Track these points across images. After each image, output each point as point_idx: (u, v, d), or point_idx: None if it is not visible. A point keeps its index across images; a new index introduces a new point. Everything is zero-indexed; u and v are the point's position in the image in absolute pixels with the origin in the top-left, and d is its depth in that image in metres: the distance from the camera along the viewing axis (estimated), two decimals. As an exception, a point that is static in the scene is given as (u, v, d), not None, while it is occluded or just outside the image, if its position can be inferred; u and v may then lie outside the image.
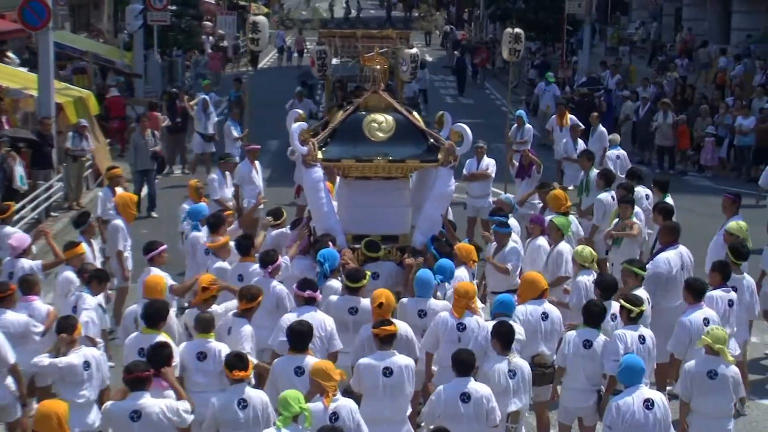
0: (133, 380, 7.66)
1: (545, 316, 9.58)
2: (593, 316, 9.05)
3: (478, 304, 10.67)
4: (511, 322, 8.98)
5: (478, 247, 11.12)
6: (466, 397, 8.03)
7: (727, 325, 9.80)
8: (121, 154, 23.02)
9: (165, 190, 20.42)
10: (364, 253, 10.65)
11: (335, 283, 10.17)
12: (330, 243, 10.53)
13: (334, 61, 14.86)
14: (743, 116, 23.08)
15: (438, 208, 11.28)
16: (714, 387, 8.51)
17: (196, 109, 22.33)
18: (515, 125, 19.35)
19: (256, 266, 10.45)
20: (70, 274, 10.79)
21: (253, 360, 8.97)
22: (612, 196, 13.52)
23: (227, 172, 15.44)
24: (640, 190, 13.68)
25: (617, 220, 12.60)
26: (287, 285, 10.12)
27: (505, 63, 27.53)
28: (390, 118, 11.21)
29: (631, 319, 9.04)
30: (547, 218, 11.96)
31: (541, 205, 13.71)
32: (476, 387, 8.12)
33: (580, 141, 18.51)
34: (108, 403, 7.82)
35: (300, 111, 12.41)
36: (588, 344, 8.95)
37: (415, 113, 12.22)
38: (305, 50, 44.28)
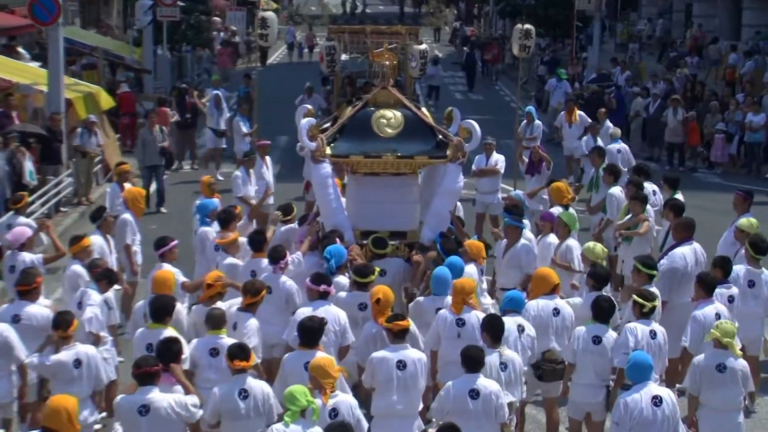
0: (141, 375, 7.68)
1: (557, 311, 9.57)
2: (602, 311, 9.05)
3: (488, 300, 10.72)
4: (520, 317, 8.98)
5: (487, 245, 11.10)
6: (474, 394, 8.02)
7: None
8: (129, 149, 23.06)
9: (175, 186, 20.45)
10: (371, 250, 10.64)
11: (343, 280, 10.17)
12: (338, 239, 10.52)
13: (344, 57, 14.86)
14: (753, 113, 23.01)
15: (446, 204, 11.27)
16: (723, 380, 8.56)
17: (208, 105, 22.34)
18: (525, 121, 19.32)
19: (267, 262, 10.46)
20: (78, 268, 10.79)
21: (256, 357, 9.01)
22: (620, 190, 13.53)
23: (251, 170, 15.45)
24: (647, 187, 13.66)
25: (629, 216, 12.59)
26: (297, 281, 10.11)
27: (515, 59, 27.50)
28: (399, 114, 11.20)
29: (643, 314, 9.03)
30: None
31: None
32: (485, 383, 8.11)
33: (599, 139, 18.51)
34: (118, 398, 7.83)
35: (309, 106, 12.41)
36: (597, 340, 8.95)
37: (423, 109, 12.21)
38: (315, 46, 44.30)
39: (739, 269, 10.57)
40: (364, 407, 8.52)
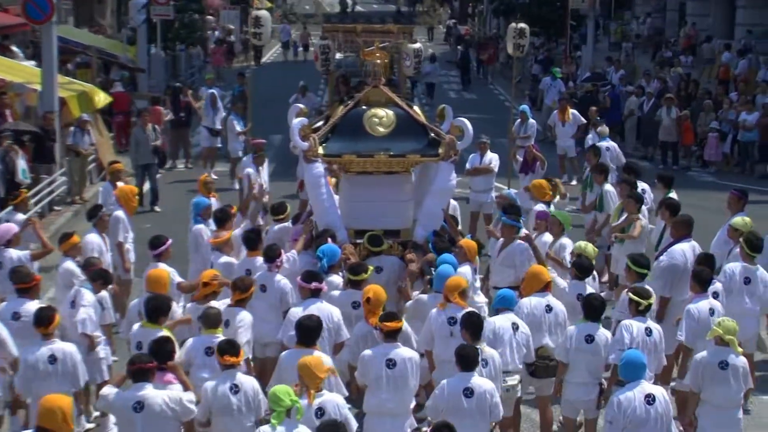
0: (136, 371, 7.68)
1: (549, 308, 9.61)
2: (594, 309, 9.07)
3: (482, 298, 10.72)
4: (514, 315, 8.99)
5: (480, 244, 11.10)
6: (469, 392, 8.02)
7: None
8: (124, 149, 23.03)
9: (169, 185, 20.44)
10: (367, 248, 10.65)
11: (336, 279, 10.19)
12: (330, 239, 10.52)
13: (338, 55, 14.85)
14: (747, 111, 23.03)
15: (439, 202, 11.28)
16: (725, 377, 8.62)
17: (203, 105, 22.30)
18: (519, 120, 19.36)
19: (262, 260, 10.46)
20: (70, 265, 10.79)
21: (247, 352, 9.02)
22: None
23: (261, 167, 15.46)
24: (638, 185, 13.73)
25: (623, 216, 12.63)
26: (291, 279, 10.12)
27: (509, 58, 27.53)
28: (391, 112, 11.21)
29: (639, 311, 9.06)
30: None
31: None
32: (479, 382, 8.11)
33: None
34: (109, 392, 7.79)
35: (301, 106, 12.41)
36: (590, 339, 8.97)
37: (416, 107, 12.21)
38: (310, 45, 44.29)
39: (734, 267, 10.59)
40: (356, 406, 8.56)
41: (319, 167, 11.07)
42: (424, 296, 9.86)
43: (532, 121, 19.58)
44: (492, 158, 15.90)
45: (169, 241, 10.76)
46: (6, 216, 12.84)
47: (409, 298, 10.11)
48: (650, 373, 8.68)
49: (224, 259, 10.97)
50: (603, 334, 9.04)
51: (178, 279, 10.55)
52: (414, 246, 10.87)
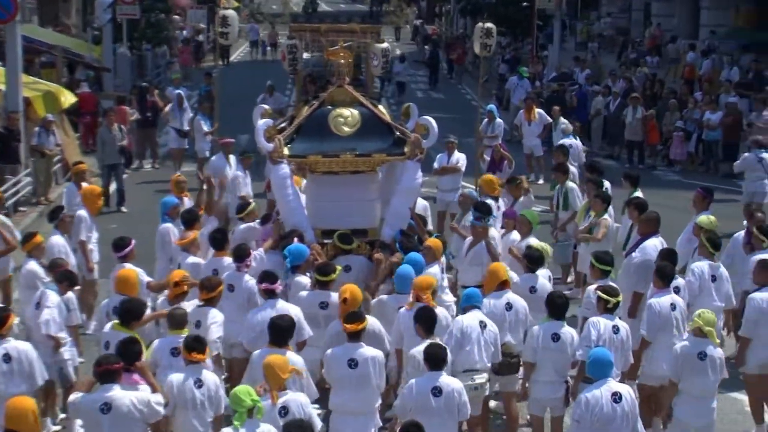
0: (102, 373, 7.64)
1: (509, 306, 9.66)
2: (558, 308, 9.12)
3: (450, 297, 10.76)
4: (481, 313, 9.04)
5: (444, 243, 11.14)
6: (437, 391, 8.04)
7: None
8: (91, 149, 22.87)
9: (136, 185, 20.33)
10: (336, 246, 10.65)
11: (304, 279, 10.18)
12: (296, 239, 10.52)
13: (305, 55, 14.84)
14: (711, 111, 23.24)
15: (405, 201, 11.29)
16: (703, 368, 8.81)
17: (169, 106, 22.17)
18: (486, 120, 19.43)
19: (230, 260, 10.47)
20: (34, 266, 10.72)
21: (216, 349, 9.02)
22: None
23: (246, 170, 15.43)
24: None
25: (591, 216, 12.71)
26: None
27: (476, 57, 27.61)
28: (356, 112, 11.21)
29: (607, 309, 9.14)
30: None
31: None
32: (447, 381, 8.14)
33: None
34: (76, 396, 7.75)
35: (265, 106, 12.38)
36: (556, 337, 9.02)
37: (381, 106, 12.23)
38: (278, 44, 44.20)
39: (702, 266, 10.68)
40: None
41: (285, 168, 11.06)
42: (385, 297, 9.87)
43: (499, 120, 19.67)
44: (459, 158, 15.95)
45: (133, 242, 10.73)
46: None
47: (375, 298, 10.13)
48: (617, 371, 8.75)
49: (191, 259, 10.93)
50: (568, 332, 9.10)
51: (146, 279, 10.51)
52: (381, 245, 10.89)
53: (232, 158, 16.18)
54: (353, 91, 11.47)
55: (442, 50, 42.14)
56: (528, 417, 9.68)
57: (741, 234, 11.99)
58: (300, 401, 7.76)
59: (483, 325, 9.12)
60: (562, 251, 14.08)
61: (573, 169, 15.50)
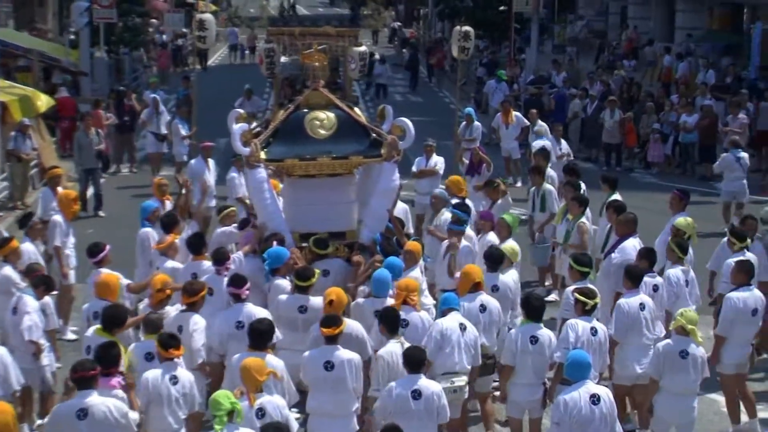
0: (78, 379, 7.61)
1: (483, 308, 9.69)
2: (535, 310, 9.15)
3: (429, 300, 10.77)
4: (460, 315, 9.07)
5: (422, 246, 11.16)
6: (417, 394, 8.06)
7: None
8: (67, 153, 22.77)
9: (113, 190, 20.24)
10: (312, 251, 10.64)
11: (284, 282, 10.16)
12: (275, 242, 10.51)
13: (283, 59, 14.83)
14: (687, 113, 23.37)
15: (383, 203, 11.30)
16: (684, 366, 8.94)
17: (146, 111, 22.08)
18: (464, 123, 19.48)
19: (209, 264, 10.46)
20: (8, 271, 10.66)
21: (200, 357, 9.01)
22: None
23: (240, 171, 15.36)
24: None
25: (569, 219, 12.76)
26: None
27: (454, 61, 27.66)
28: (332, 114, 11.21)
29: (585, 311, 9.17)
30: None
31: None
32: (427, 384, 8.15)
33: (563, 141, 18.74)
34: (55, 406, 7.76)
35: (241, 111, 12.36)
36: (534, 340, 9.04)
37: (356, 109, 12.24)
38: (257, 47, 44.12)
39: (677, 273, 10.69)
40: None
41: (262, 172, 11.04)
42: (361, 300, 9.87)
43: (477, 123, 19.72)
44: (437, 161, 15.99)
45: (108, 248, 10.70)
46: None
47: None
48: (595, 373, 8.79)
49: (170, 263, 10.89)
50: (546, 334, 9.12)
51: (125, 281, 10.48)
52: (360, 247, 10.89)
53: (212, 162, 16.14)
54: (328, 93, 11.47)
55: (421, 53, 42.22)
56: (505, 416, 9.70)
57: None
58: (276, 403, 7.77)
59: (463, 328, 9.14)
60: (539, 254, 14.13)
61: (551, 172, 15.55)
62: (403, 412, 8.00)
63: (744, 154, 18.01)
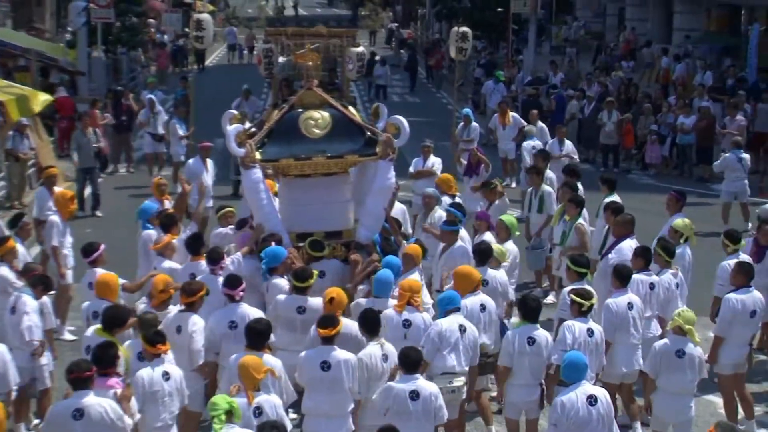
0: (74, 380, 7.61)
1: (483, 307, 9.72)
2: (531, 311, 9.15)
3: (428, 299, 10.77)
4: (461, 316, 9.10)
5: (424, 248, 11.14)
6: (415, 395, 8.07)
7: (648, 307, 10.20)
8: (65, 153, 22.75)
9: (111, 190, 20.23)
10: (308, 253, 10.63)
11: (282, 282, 10.15)
12: (273, 243, 10.50)
13: (281, 59, 14.83)
14: (685, 115, 23.39)
15: (380, 201, 11.29)
16: (681, 365, 8.98)
17: (143, 112, 22.09)
18: (462, 124, 19.49)
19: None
20: (4, 271, 10.63)
21: (200, 359, 9.01)
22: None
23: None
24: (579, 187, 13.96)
25: (566, 220, 12.77)
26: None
27: (452, 61, 27.70)
28: (326, 114, 11.20)
29: (581, 312, 9.18)
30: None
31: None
32: (424, 385, 8.17)
33: (567, 141, 18.71)
34: (51, 406, 7.75)
35: (235, 112, 12.38)
36: (531, 341, 9.04)
37: (351, 108, 12.24)
38: (255, 47, 44.12)
39: (669, 279, 10.64)
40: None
41: (257, 173, 11.02)
42: (363, 300, 9.87)
43: (474, 124, 19.73)
44: (435, 161, 15.99)
45: (102, 247, 10.70)
46: None
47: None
48: (592, 374, 8.80)
49: (167, 263, 10.88)
50: (543, 334, 9.13)
51: (121, 281, 10.46)
52: (357, 246, 10.88)
53: (210, 162, 16.14)
54: (322, 93, 11.46)
55: (420, 54, 42.24)
56: (498, 407, 9.73)
57: (747, 241, 12.14)
58: (273, 403, 7.81)
59: (462, 329, 9.12)
60: (534, 258, 14.12)
61: (550, 173, 15.55)
62: (400, 412, 8.01)
63: (746, 155, 18.25)
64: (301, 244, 10.79)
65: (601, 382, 9.67)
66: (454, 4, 44.39)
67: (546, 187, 14.45)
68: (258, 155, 10.96)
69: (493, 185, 13.82)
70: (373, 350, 8.62)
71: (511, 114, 21.78)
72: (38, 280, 10.05)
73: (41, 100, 20.92)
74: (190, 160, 16.58)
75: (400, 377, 8.25)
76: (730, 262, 10.97)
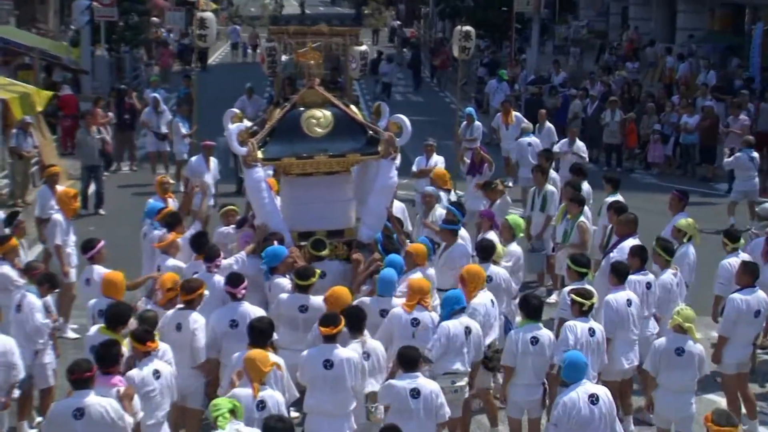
0: (75, 381, 7.60)
1: (492, 303, 9.81)
2: (534, 309, 9.15)
3: (435, 302, 10.77)
4: (466, 318, 9.11)
5: (433, 246, 11.13)
6: (415, 393, 8.07)
7: (645, 306, 10.22)
8: (69, 151, 22.78)
9: (114, 188, 20.25)
10: (310, 252, 10.63)
11: (284, 281, 10.15)
12: (275, 242, 10.51)
13: (284, 58, 14.84)
14: (688, 114, 23.38)
15: (382, 200, 11.27)
16: (681, 363, 9.00)
17: (146, 110, 22.10)
18: (465, 123, 19.49)
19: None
20: (6, 269, 10.63)
21: (202, 357, 9.03)
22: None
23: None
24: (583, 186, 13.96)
25: (568, 219, 12.77)
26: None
27: (455, 61, 27.68)
28: (328, 113, 11.19)
29: (582, 312, 9.18)
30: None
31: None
32: (425, 383, 8.16)
33: (579, 141, 18.68)
34: (53, 405, 7.76)
35: (236, 110, 12.36)
36: (535, 340, 9.03)
37: (353, 107, 12.23)
38: (259, 46, 44.11)
39: (670, 279, 10.66)
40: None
41: (259, 172, 11.00)
42: (367, 299, 9.86)
43: (477, 123, 19.73)
44: (438, 160, 15.99)
45: (101, 243, 10.70)
46: None
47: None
48: (593, 373, 8.81)
49: (171, 262, 10.88)
50: (546, 334, 9.13)
51: (122, 279, 10.49)
52: (359, 245, 10.88)
53: (213, 160, 16.15)
54: (324, 91, 11.46)
55: (424, 53, 42.24)
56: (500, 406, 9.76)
57: (761, 240, 12.12)
58: (277, 399, 7.84)
59: (468, 331, 9.10)
60: (534, 261, 14.10)
61: (554, 173, 15.54)
62: (402, 410, 8.02)
63: (756, 154, 18.29)
64: (303, 243, 10.79)
65: (602, 381, 9.69)
66: (458, 2, 44.38)
67: (549, 187, 14.41)
68: (260, 154, 10.96)
69: (494, 185, 13.81)
70: (353, 348, 8.59)
71: (514, 113, 21.76)
72: (44, 278, 10.05)
73: (43, 97, 20.99)
74: (193, 159, 16.60)
75: (399, 375, 8.25)
76: (730, 261, 11.01)
